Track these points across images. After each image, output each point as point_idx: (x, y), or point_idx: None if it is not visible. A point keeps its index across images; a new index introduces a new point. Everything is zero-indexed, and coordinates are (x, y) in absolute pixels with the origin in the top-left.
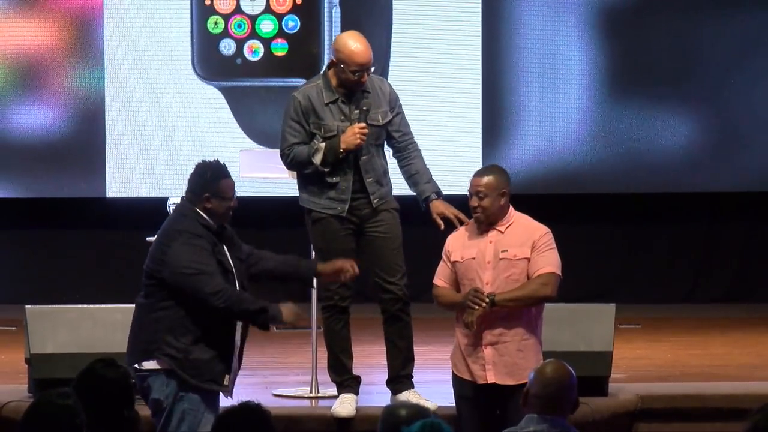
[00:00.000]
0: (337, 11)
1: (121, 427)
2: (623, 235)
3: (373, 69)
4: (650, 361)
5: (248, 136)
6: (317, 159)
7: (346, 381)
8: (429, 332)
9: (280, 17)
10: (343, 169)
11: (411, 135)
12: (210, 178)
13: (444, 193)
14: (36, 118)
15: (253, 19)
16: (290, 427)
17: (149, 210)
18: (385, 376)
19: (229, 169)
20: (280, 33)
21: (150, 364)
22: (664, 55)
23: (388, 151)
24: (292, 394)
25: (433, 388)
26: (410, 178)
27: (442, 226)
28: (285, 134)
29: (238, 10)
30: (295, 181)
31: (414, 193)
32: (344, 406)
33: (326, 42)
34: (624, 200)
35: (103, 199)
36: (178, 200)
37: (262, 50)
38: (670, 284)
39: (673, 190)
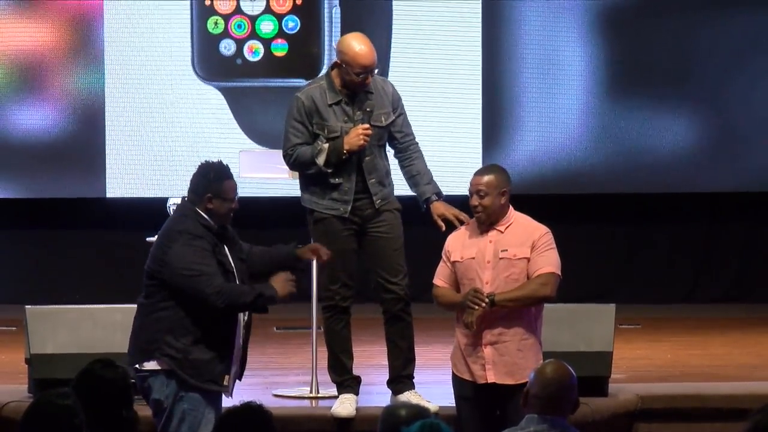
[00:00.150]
0: (337, 11)
1: (120, 427)
2: (623, 235)
3: (376, 71)
4: (650, 361)
5: (248, 136)
6: (320, 160)
7: (347, 381)
8: (429, 332)
9: (280, 17)
10: (346, 170)
11: (413, 136)
12: (213, 179)
13: (444, 193)
14: (36, 118)
15: (253, 19)
16: (290, 428)
17: (149, 210)
18: (386, 377)
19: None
20: (280, 33)
21: (150, 365)
22: (664, 56)
23: (390, 152)
24: (292, 395)
25: (433, 388)
26: (411, 178)
27: (443, 228)
28: (288, 134)
29: (238, 10)
30: (295, 181)
31: (414, 194)
32: (344, 406)
33: (326, 42)
34: (624, 200)
35: (103, 199)
36: (178, 200)
37: (262, 50)
38: (670, 284)
39: (673, 190)
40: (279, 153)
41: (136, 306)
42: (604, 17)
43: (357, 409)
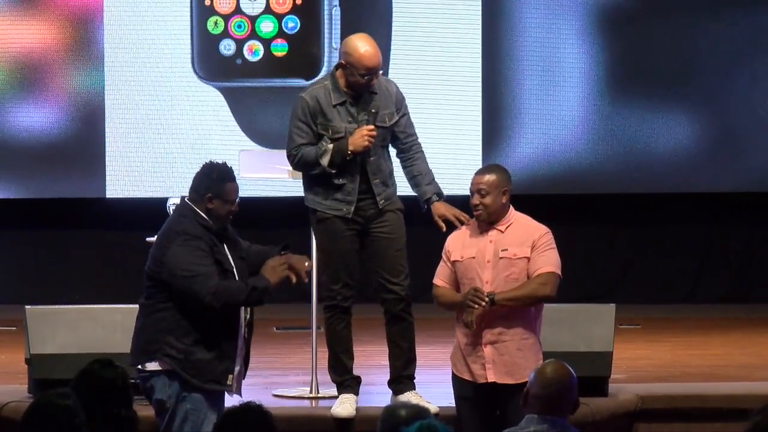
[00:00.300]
0: (337, 11)
1: (120, 427)
2: (623, 236)
3: (381, 72)
4: (650, 362)
5: (248, 136)
6: (325, 161)
7: (347, 381)
8: (429, 332)
9: (280, 17)
10: (349, 171)
11: (415, 136)
12: (216, 179)
13: (444, 193)
14: (36, 118)
15: (253, 19)
16: (290, 428)
17: (149, 210)
18: (386, 377)
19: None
20: (280, 33)
21: (152, 365)
22: (664, 56)
23: (392, 151)
24: (292, 395)
25: (433, 388)
26: (413, 179)
27: (444, 228)
28: (292, 135)
29: (238, 10)
30: (295, 181)
31: (414, 194)
32: (344, 406)
33: (326, 42)
34: (624, 200)
35: (103, 199)
36: (178, 200)
37: (262, 50)
38: (670, 284)
39: (673, 191)
40: (279, 153)
41: (136, 306)
42: (604, 17)
43: (357, 409)
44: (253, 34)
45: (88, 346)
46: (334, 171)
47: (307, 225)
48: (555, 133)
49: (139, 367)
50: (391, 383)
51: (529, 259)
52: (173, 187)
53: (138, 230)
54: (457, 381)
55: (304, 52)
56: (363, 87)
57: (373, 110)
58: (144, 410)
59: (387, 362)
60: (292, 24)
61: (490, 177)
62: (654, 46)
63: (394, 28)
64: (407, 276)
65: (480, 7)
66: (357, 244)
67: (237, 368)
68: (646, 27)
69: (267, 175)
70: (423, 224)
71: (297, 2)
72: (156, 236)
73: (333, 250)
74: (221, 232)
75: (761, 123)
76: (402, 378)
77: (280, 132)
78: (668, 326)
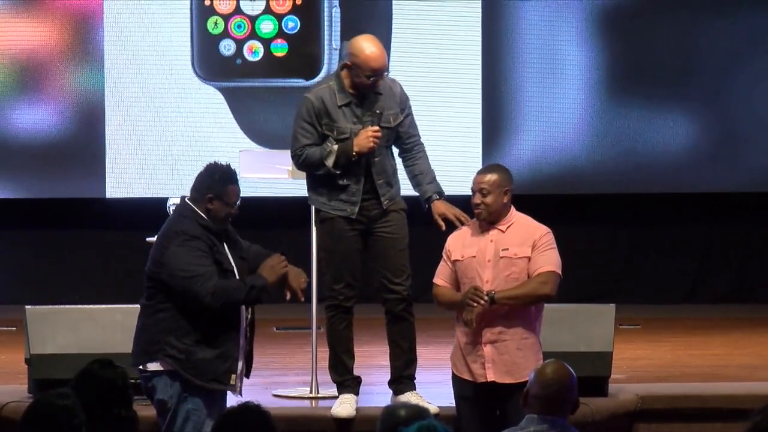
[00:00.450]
0: (337, 11)
1: (120, 427)
2: (623, 236)
3: (387, 73)
4: (650, 362)
5: (248, 136)
6: (330, 162)
7: (347, 381)
8: (429, 332)
9: (280, 18)
10: (354, 172)
11: (418, 136)
12: (218, 180)
13: (445, 193)
14: (36, 118)
15: (253, 19)
16: (290, 428)
17: (149, 210)
18: (386, 377)
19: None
20: (280, 33)
21: (154, 366)
22: (665, 56)
23: (394, 150)
24: (292, 395)
25: (433, 388)
26: (414, 178)
27: (443, 227)
28: (297, 135)
29: (238, 10)
30: (295, 181)
31: (416, 194)
32: (344, 406)
33: (326, 42)
34: (624, 200)
35: (103, 199)
36: (178, 200)
37: (261, 51)
38: (670, 284)
39: (673, 191)
40: (279, 153)
41: (135, 306)
42: (604, 17)
43: (357, 409)
44: (253, 35)
45: (88, 346)
46: (338, 172)
47: (307, 225)
48: (555, 133)
49: (141, 367)
50: (391, 383)
51: (529, 258)
52: (173, 187)
53: (138, 230)
54: (457, 381)
55: (304, 53)
56: (368, 88)
57: (377, 111)
58: (144, 410)
59: (387, 362)
60: (292, 24)
61: (491, 176)
62: (654, 45)
63: (394, 28)
64: (409, 276)
65: (480, 7)
66: (360, 244)
67: (240, 367)
68: (646, 27)
69: (267, 175)
70: (423, 224)
71: (297, 2)
72: (156, 236)
73: (336, 250)
74: (221, 231)
75: (761, 123)
76: (402, 378)
77: (279, 132)
78: (668, 326)
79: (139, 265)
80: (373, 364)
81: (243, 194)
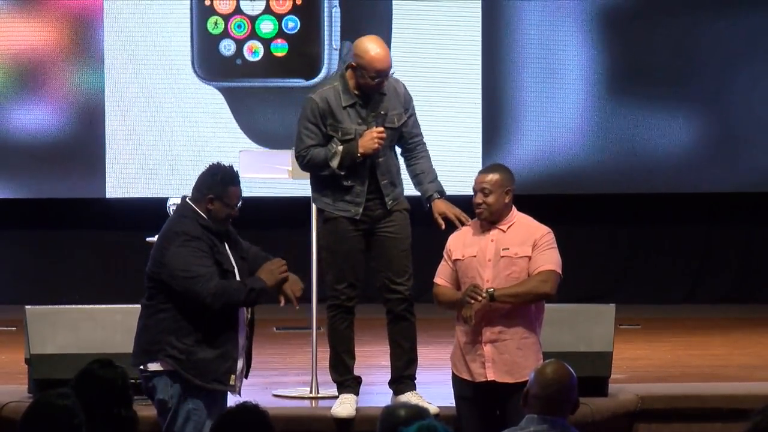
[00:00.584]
0: (337, 11)
1: (120, 427)
2: (623, 236)
3: (393, 72)
4: (650, 362)
5: (248, 136)
6: (334, 163)
7: (347, 381)
8: (429, 332)
9: (280, 18)
10: (358, 173)
11: (421, 136)
12: (219, 181)
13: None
14: (36, 118)
15: (253, 19)
16: (290, 428)
17: (149, 210)
18: (386, 377)
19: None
20: (280, 33)
21: (154, 366)
22: (664, 56)
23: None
24: (292, 395)
25: (433, 388)
26: (415, 177)
27: (443, 226)
28: (301, 136)
29: (238, 10)
30: (295, 181)
31: (418, 193)
32: (344, 406)
33: (326, 42)
34: (624, 200)
35: (103, 199)
36: (178, 200)
37: (262, 51)
38: (670, 285)
39: (673, 191)
40: (279, 153)
41: (135, 306)
42: (604, 17)
43: (357, 409)
44: (253, 34)
45: (88, 346)
46: (343, 173)
47: (307, 225)
48: (555, 133)
49: (141, 367)
50: (392, 383)
51: (530, 258)
52: (173, 187)
53: (138, 230)
54: (456, 381)
55: (304, 53)
56: (373, 89)
57: (382, 112)
58: (144, 410)
59: (387, 362)
60: (292, 24)
61: (493, 176)
62: (654, 46)
63: (394, 28)
64: (411, 276)
65: (480, 8)
66: (363, 244)
67: (239, 368)
68: (646, 27)
69: (267, 175)
70: (424, 224)
71: (297, 2)
72: (156, 237)
73: (339, 251)
74: (222, 232)
75: (761, 123)
76: (403, 378)
77: (279, 132)
78: (668, 326)
79: (139, 265)
80: (373, 364)
81: (243, 194)
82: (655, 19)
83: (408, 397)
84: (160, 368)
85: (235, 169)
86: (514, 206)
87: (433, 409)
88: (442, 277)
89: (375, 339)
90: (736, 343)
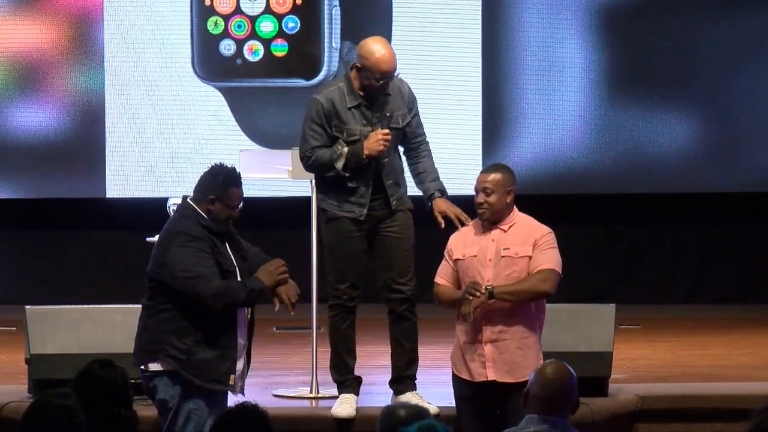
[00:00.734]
0: (337, 11)
1: (120, 427)
2: (623, 236)
3: (398, 73)
4: (650, 362)
5: (248, 136)
6: (339, 165)
7: (348, 381)
8: (429, 332)
9: (280, 17)
10: (363, 174)
11: (424, 136)
12: (221, 182)
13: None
14: (36, 118)
15: (253, 19)
16: (290, 428)
17: (149, 210)
18: (386, 377)
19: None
20: (280, 33)
21: (155, 366)
22: (665, 56)
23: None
24: (292, 395)
25: (433, 388)
26: (417, 176)
27: (443, 225)
28: (306, 137)
29: (238, 10)
30: (295, 181)
31: (419, 193)
32: (344, 406)
33: (326, 42)
34: (624, 201)
35: (103, 199)
36: (178, 200)
37: (262, 51)
38: (671, 285)
39: (673, 191)
40: (279, 153)
41: (135, 306)
42: (604, 17)
43: (357, 409)
44: (253, 34)
45: (88, 346)
46: (348, 174)
47: (307, 225)
48: (555, 133)
49: (142, 367)
50: (392, 383)
51: (530, 258)
52: (173, 187)
53: (138, 230)
54: (456, 381)
55: (304, 52)
56: (378, 90)
57: (387, 113)
58: (144, 410)
59: (388, 362)
60: (292, 24)
61: (495, 176)
62: (654, 46)
63: (394, 28)
64: (413, 277)
65: (480, 7)
66: (365, 244)
67: (239, 368)
68: (647, 27)
69: (267, 175)
70: (424, 225)
71: (297, 2)
72: (157, 237)
73: (341, 251)
74: (223, 232)
75: (761, 123)
76: (404, 378)
77: (280, 132)
78: (668, 326)
79: (139, 265)
80: (373, 363)
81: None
82: (656, 18)
83: (408, 397)
84: (161, 368)
85: (237, 170)
86: (515, 206)
87: (433, 409)
88: (442, 277)
89: (376, 339)
90: (736, 343)
